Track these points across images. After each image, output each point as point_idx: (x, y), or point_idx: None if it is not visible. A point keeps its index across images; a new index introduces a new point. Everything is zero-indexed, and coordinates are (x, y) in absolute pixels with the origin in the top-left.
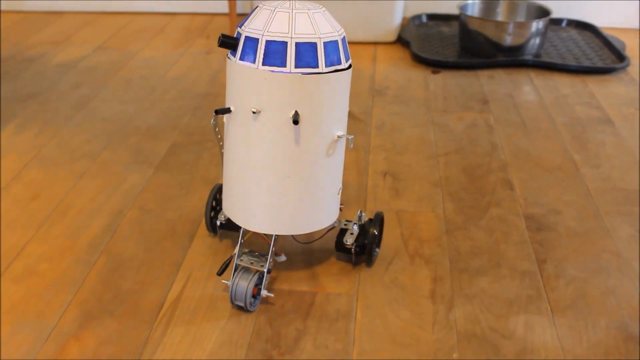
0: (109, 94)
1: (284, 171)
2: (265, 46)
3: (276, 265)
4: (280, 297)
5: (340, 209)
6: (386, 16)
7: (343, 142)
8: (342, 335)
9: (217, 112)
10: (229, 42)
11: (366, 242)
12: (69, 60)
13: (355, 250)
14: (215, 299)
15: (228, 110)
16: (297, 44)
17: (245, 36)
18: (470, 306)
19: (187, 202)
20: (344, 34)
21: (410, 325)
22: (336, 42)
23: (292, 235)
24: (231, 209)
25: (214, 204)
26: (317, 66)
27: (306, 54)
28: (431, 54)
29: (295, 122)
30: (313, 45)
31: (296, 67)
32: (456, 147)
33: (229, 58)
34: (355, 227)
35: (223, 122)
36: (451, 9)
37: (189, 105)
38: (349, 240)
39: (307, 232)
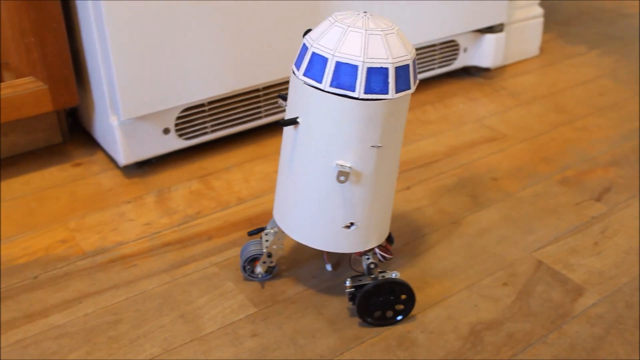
0: None
1: (284, 170)
2: (302, 46)
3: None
4: None
5: (385, 258)
6: None
7: (363, 178)
8: None
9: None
10: None
11: (361, 294)
12: None
13: (348, 295)
14: None
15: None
16: (313, 53)
17: None
18: None
19: None
20: (384, 65)
21: None
22: (355, 67)
23: (349, 262)
24: None
25: None
26: (320, 82)
27: (316, 65)
28: None
29: (280, 122)
30: (325, 59)
31: (304, 74)
32: None
33: None
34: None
35: None
36: None
37: None
38: (348, 282)
39: (305, 244)
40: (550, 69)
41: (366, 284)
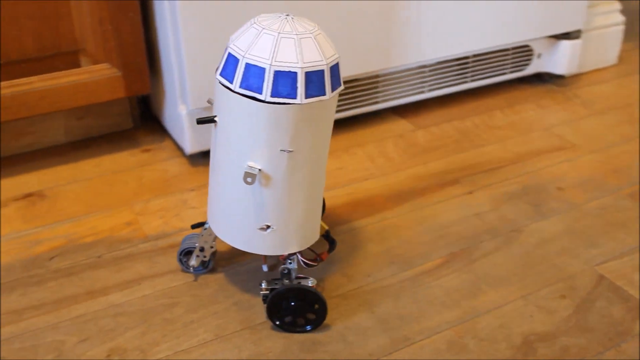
0: None
1: (210, 168)
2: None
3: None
4: None
5: (308, 265)
6: None
7: (274, 181)
8: None
9: None
10: None
11: (270, 296)
12: None
13: (262, 296)
14: None
15: None
16: (228, 54)
17: None
18: None
19: None
20: (292, 69)
21: None
22: (263, 69)
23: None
24: None
25: None
26: (232, 82)
27: (230, 65)
28: None
29: (197, 120)
30: (237, 60)
31: (220, 74)
32: None
33: None
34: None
35: None
36: None
37: None
38: (264, 284)
39: (227, 243)
40: (627, 79)
41: (278, 288)
